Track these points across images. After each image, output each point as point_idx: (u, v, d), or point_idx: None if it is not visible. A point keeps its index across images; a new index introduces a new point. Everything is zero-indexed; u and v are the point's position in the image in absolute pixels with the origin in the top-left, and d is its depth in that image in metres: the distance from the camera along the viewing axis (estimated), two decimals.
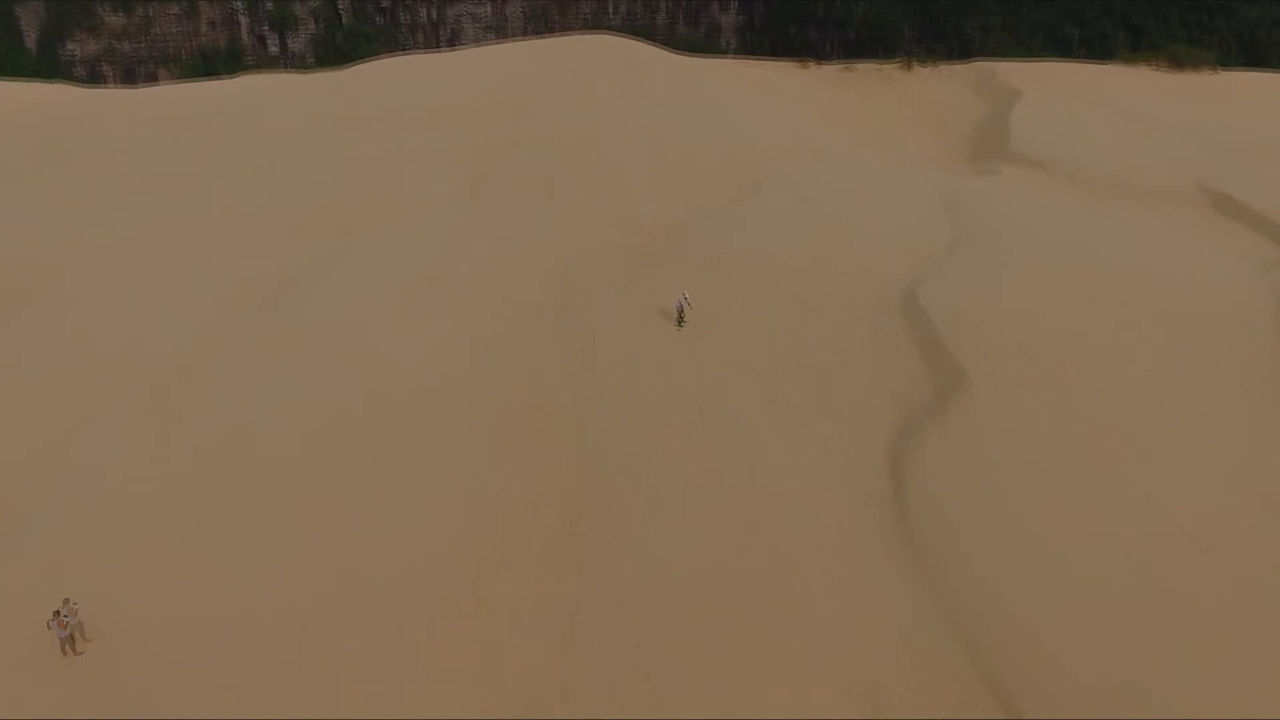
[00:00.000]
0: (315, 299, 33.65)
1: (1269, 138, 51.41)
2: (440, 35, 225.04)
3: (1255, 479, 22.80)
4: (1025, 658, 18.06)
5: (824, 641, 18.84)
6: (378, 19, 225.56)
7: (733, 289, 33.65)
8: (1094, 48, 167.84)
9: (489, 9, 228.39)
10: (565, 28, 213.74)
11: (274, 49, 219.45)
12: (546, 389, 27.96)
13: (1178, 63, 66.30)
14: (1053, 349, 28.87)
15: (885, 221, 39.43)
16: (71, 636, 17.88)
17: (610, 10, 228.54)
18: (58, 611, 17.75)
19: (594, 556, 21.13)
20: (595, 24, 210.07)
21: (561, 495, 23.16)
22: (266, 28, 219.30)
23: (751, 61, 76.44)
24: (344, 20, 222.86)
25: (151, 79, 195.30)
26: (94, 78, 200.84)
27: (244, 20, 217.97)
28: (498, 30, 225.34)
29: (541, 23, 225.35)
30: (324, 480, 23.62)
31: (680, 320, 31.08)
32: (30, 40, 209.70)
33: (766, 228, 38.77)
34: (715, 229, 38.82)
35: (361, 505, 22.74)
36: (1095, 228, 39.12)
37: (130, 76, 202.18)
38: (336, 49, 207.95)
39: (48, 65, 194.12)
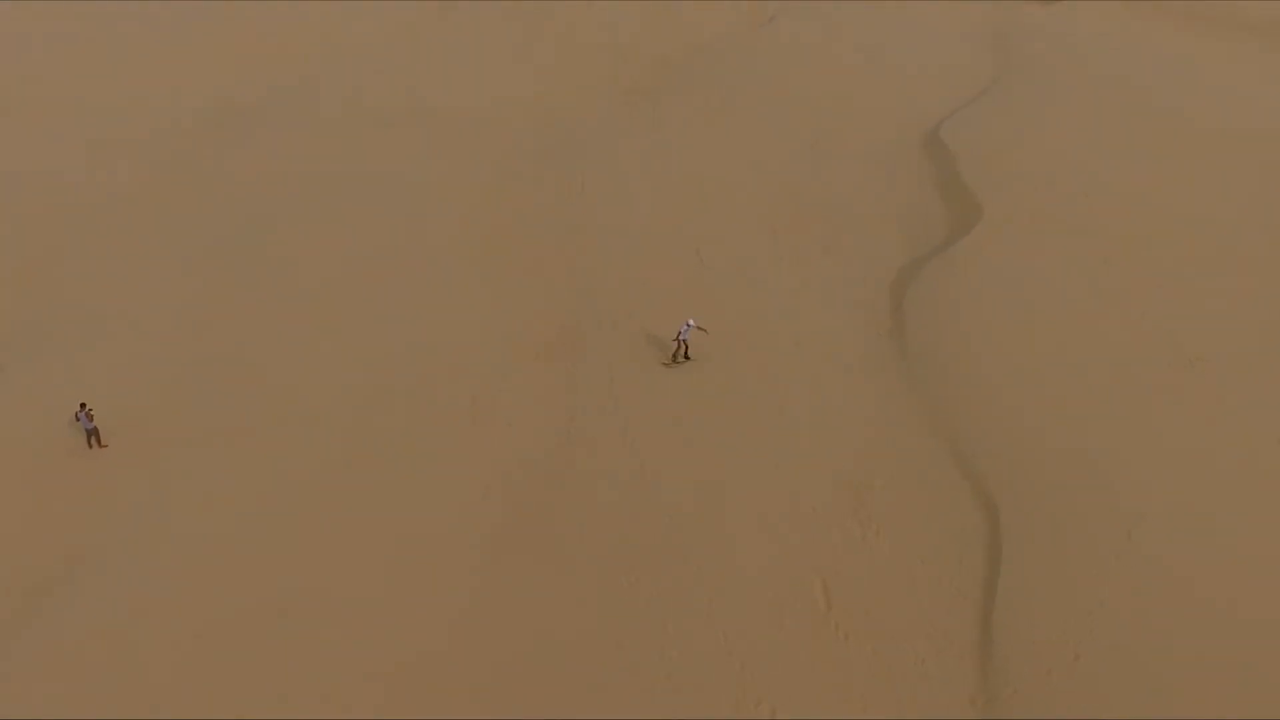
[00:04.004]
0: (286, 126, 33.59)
1: None
2: None
3: (1256, 307, 21.79)
4: (1007, 461, 18.12)
5: (814, 441, 19.23)
6: None
7: (737, 127, 32.34)
8: None
9: None
10: None
11: None
12: (535, 226, 27.81)
13: None
14: (1076, 183, 27.41)
15: (920, 57, 37.10)
16: (96, 430, 19.61)
17: None
18: (83, 404, 19.41)
19: (583, 374, 21.58)
20: None
21: (553, 322, 23.59)
22: None
23: None
24: None
25: None
26: None
27: None
28: None
29: None
30: (351, 302, 24.52)
31: (683, 355, 21.94)
32: None
33: (780, 62, 36.58)
34: (720, 63, 36.45)
35: (375, 322, 23.61)
36: (1153, 58, 36.05)
37: None
38: None
39: None
